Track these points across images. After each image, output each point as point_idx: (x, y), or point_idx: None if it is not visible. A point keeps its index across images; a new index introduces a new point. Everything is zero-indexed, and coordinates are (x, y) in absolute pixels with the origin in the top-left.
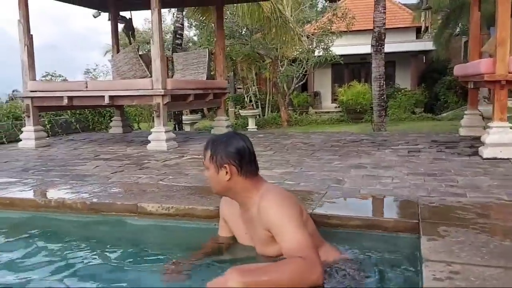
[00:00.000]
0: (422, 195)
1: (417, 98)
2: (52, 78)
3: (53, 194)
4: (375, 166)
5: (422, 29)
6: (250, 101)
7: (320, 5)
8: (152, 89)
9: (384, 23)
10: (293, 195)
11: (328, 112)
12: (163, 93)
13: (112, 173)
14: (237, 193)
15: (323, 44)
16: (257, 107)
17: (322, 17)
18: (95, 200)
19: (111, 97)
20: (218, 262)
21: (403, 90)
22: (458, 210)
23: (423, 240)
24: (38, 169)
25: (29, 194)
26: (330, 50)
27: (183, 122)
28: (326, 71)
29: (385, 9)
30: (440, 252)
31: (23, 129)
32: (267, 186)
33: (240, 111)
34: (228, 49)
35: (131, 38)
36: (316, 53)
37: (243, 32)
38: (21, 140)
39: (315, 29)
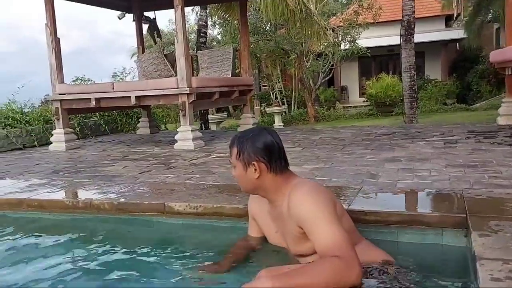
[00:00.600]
0: (465, 187)
1: (449, 89)
2: (82, 82)
3: (81, 195)
4: (411, 159)
5: (455, 16)
6: (276, 98)
7: None
8: (177, 88)
9: (414, 11)
10: (326, 188)
11: (356, 106)
12: (188, 92)
13: (140, 173)
14: (267, 191)
15: (349, 37)
16: (283, 104)
17: (348, 9)
18: (122, 200)
19: (137, 97)
20: (248, 264)
21: (433, 81)
22: (508, 203)
23: (474, 236)
24: (68, 171)
25: (57, 196)
26: (356, 43)
27: (209, 121)
28: (353, 64)
29: None
30: (495, 249)
31: (53, 132)
32: (298, 181)
33: (266, 108)
34: (252, 46)
35: (156, 38)
36: (342, 47)
37: (267, 27)
38: (51, 143)
39: (340, 21)
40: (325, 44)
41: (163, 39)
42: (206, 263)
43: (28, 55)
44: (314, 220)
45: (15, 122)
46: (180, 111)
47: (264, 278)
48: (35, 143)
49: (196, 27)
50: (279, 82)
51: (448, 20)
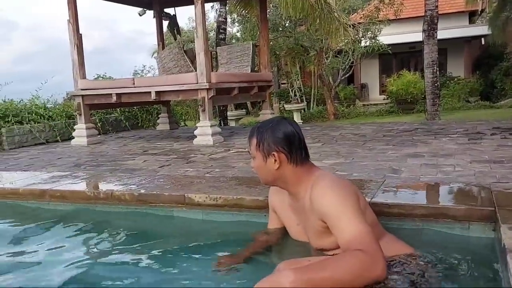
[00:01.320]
0: (491, 182)
1: (472, 86)
2: (102, 79)
3: (102, 186)
4: (434, 155)
5: (479, 11)
6: (295, 95)
7: None
8: (197, 83)
9: (437, 6)
10: (349, 181)
11: (376, 104)
12: (207, 87)
13: (159, 167)
14: (287, 182)
15: (369, 33)
16: (302, 101)
17: (369, 5)
18: (142, 191)
19: (157, 92)
20: (268, 257)
21: (456, 79)
22: None
23: (504, 229)
24: (89, 164)
25: (79, 187)
26: (377, 40)
27: (228, 118)
28: (373, 61)
29: None
30: None
31: (75, 127)
32: (319, 173)
33: (285, 105)
34: (271, 43)
35: (176, 35)
36: (362, 43)
37: (287, 24)
38: (73, 138)
39: (361, 18)
40: (345, 41)
41: (182, 37)
42: (224, 254)
43: (52, 54)
44: (337, 214)
45: (39, 117)
46: (200, 107)
47: (284, 271)
48: (58, 138)
49: (215, 25)
50: (298, 80)
51: (472, 16)
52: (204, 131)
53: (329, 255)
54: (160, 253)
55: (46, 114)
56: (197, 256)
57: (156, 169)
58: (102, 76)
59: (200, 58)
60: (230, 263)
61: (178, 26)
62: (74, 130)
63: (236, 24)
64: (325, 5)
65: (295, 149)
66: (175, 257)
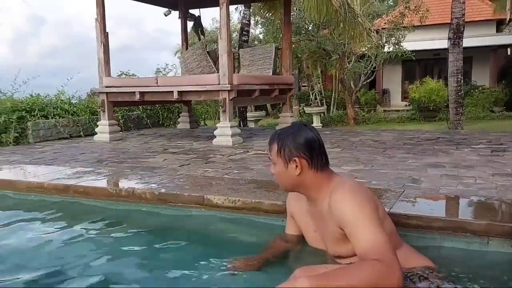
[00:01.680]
0: None
1: (497, 96)
2: (126, 76)
3: (124, 184)
4: (455, 166)
5: (507, 20)
6: (315, 98)
7: None
8: (218, 84)
9: (463, 14)
10: (368, 189)
11: (398, 110)
12: (229, 88)
13: (179, 166)
14: (307, 188)
15: (393, 39)
16: (322, 105)
17: (393, 10)
18: (163, 190)
19: (179, 92)
20: (285, 263)
21: (480, 88)
22: None
23: None
24: (111, 161)
25: (101, 183)
26: (401, 46)
27: (248, 119)
28: (396, 67)
29: None
30: None
31: (98, 123)
32: (339, 179)
33: (305, 108)
34: (293, 46)
35: (200, 35)
36: (385, 49)
37: (310, 28)
38: (96, 134)
39: (385, 23)
40: (368, 46)
41: (206, 37)
42: (240, 257)
43: (78, 50)
44: (355, 221)
45: (64, 112)
46: (220, 107)
47: (300, 278)
48: (81, 133)
49: (239, 26)
50: (319, 83)
51: (500, 25)
52: (224, 131)
53: (346, 262)
54: (178, 252)
55: (70, 109)
56: (213, 257)
57: (176, 168)
58: (125, 73)
59: (223, 59)
60: (245, 266)
61: (202, 27)
62: (97, 126)
63: (259, 26)
64: (349, 10)
65: (315, 155)
66: (192, 257)
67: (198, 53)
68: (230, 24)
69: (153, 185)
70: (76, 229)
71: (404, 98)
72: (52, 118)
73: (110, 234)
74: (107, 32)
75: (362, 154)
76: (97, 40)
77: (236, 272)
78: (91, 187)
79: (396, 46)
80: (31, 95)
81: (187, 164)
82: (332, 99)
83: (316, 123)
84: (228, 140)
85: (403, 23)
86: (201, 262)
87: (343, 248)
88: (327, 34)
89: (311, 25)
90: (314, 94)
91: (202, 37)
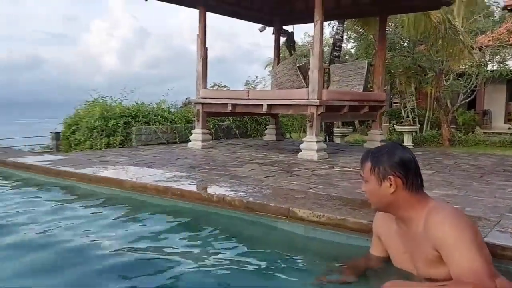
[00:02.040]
0: None
1: None
2: (219, 88)
3: (215, 190)
4: None
5: None
6: (407, 116)
7: (497, 14)
8: (307, 99)
9: None
10: (466, 214)
11: (500, 133)
12: (318, 104)
13: (265, 177)
14: (400, 208)
15: (498, 57)
16: (415, 123)
17: (499, 27)
18: (251, 199)
19: (269, 105)
20: (368, 282)
21: None
22: None
23: None
24: (203, 167)
25: (195, 188)
26: (506, 64)
27: (334, 134)
28: (500, 87)
29: None
30: None
31: (192, 131)
32: (436, 203)
33: (396, 126)
34: (387, 61)
35: (292, 51)
36: (489, 67)
37: (405, 44)
38: (190, 141)
39: (489, 40)
40: (469, 64)
41: (296, 51)
42: (323, 272)
43: (177, 62)
44: (454, 244)
45: (163, 120)
46: (308, 122)
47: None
48: (177, 139)
49: (331, 41)
50: (412, 100)
51: None
52: (310, 146)
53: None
54: (260, 261)
55: (169, 117)
56: (296, 269)
57: (262, 179)
58: (218, 84)
59: (314, 75)
60: (328, 282)
61: (294, 42)
62: (191, 133)
63: (351, 40)
64: (449, 26)
65: (411, 175)
66: (274, 267)
67: (289, 67)
68: (323, 39)
69: (241, 193)
70: (168, 227)
71: (507, 120)
72: (153, 124)
73: (197, 234)
74: (207, 47)
75: (456, 178)
76: (197, 54)
77: (319, 286)
78: (187, 191)
79: (501, 64)
80: (137, 103)
81: (272, 175)
82: (426, 118)
83: (407, 142)
84: (314, 155)
85: (510, 41)
86: (282, 273)
87: (436, 271)
88: (424, 50)
89: (406, 41)
90: (406, 112)
91: (293, 52)
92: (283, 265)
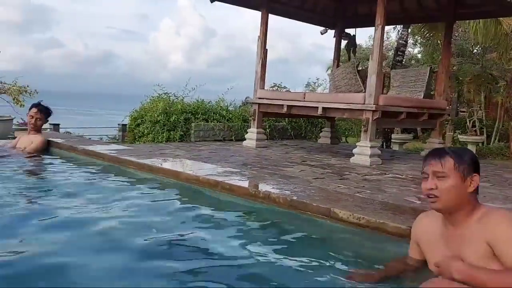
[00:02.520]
0: None
1: None
2: (278, 89)
3: (262, 187)
4: None
5: None
6: (473, 126)
7: None
8: (363, 104)
9: None
10: None
11: None
12: (374, 109)
13: (314, 179)
14: (463, 209)
15: None
16: (482, 134)
17: None
18: (294, 198)
19: (324, 108)
20: (402, 284)
21: None
22: None
23: None
24: (254, 165)
25: (244, 183)
26: None
27: (392, 140)
28: None
29: None
30: None
31: (248, 130)
32: (490, 207)
33: (459, 136)
34: (454, 68)
35: (352, 54)
36: None
37: (475, 50)
38: (245, 140)
39: None
40: None
41: (360, 54)
42: (358, 269)
43: (238, 61)
44: (510, 240)
45: (221, 117)
46: (362, 127)
47: (454, 261)
48: (232, 137)
49: (395, 44)
50: (480, 110)
51: None
52: (363, 151)
53: None
54: (301, 256)
55: (227, 115)
56: (332, 265)
57: (310, 180)
58: (278, 85)
59: (371, 80)
60: (362, 279)
61: (356, 46)
62: (247, 132)
63: (418, 45)
64: None
65: (479, 175)
66: (313, 262)
67: (348, 71)
68: (387, 42)
69: (286, 191)
70: (221, 216)
71: None
72: (211, 122)
73: (245, 225)
74: (267, 49)
75: None
76: (257, 56)
77: (353, 282)
78: (235, 186)
79: None
80: (197, 100)
81: (321, 177)
82: (495, 129)
83: None
84: (366, 160)
85: None
86: (320, 269)
87: (486, 266)
88: (495, 58)
89: (476, 48)
90: (471, 121)
91: (353, 56)
92: (321, 260)
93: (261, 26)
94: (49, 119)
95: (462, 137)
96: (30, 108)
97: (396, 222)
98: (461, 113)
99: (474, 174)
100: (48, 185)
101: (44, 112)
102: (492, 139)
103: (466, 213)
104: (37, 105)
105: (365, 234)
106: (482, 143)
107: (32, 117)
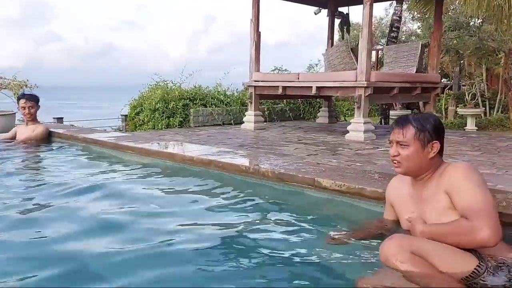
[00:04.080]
0: None
1: None
2: (278, 72)
3: (253, 163)
4: None
5: None
6: (472, 99)
7: None
8: (355, 81)
9: None
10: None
11: None
12: (365, 85)
13: (307, 155)
14: (427, 170)
15: None
16: (483, 106)
17: None
18: (282, 171)
19: (318, 87)
20: (378, 243)
21: None
22: None
23: None
24: (250, 146)
25: (236, 161)
26: None
27: (390, 117)
28: None
29: None
30: None
31: (246, 113)
32: (450, 162)
33: (459, 109)
34: (454, 41)
35: (346, 33)
36: None
37: (471, 23)
38: (243, 123)
39: None
40: None
41: (356, 33)
42: (339, 232)
43: (240, 47)
44: (465, 185)
45: (219, 102)
46: (355, 103)
47: (418, 221)
48: (232, 121)
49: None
50: (482, 82)
51: None
52: (357, 127)
53: None
54: (287, 223)
55: (225, 100)
56: (315, 230)
57: (304, 157)
58: (279, 68)
59: (362, 57)
60: (342, 240)
61: (349, 24)
62: (245, 115)
63: (416, 20)
64: None
65: (443, 142)
66: (298, 228)
67: (342, 50)
68: (386, 20)
69: (275, 166)
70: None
71: None
72: (209, 107)
73: (235, 199)
74: (260, 32)
75: (502, 159)
76: (250, 39)
77: (333, 244)
78: (227, 163)
79: None
80: (195, 86)
81: (314, 154)
82: (497, 101)
83: (470, 125)
84: (360, 136)
85: None
86: (304, 233)
87: (447, 219)
88: (492, 29)
89: (473, 20)
90: (470, 94)
91: (346, 35)
92: (305, 226)
93: (253, 8)
94: (49, 115)
95: (460, 110)
96: (18, 102)
97: (373, 187)
98: (463, 87)
99: (435, 141)
100: (51, 175)
101: (33, 99)
102: (495, 111)
103: (430, 174)
104: (22, 96)
105: (347, 200)
106: (483, 115)
107: (24, 107)
